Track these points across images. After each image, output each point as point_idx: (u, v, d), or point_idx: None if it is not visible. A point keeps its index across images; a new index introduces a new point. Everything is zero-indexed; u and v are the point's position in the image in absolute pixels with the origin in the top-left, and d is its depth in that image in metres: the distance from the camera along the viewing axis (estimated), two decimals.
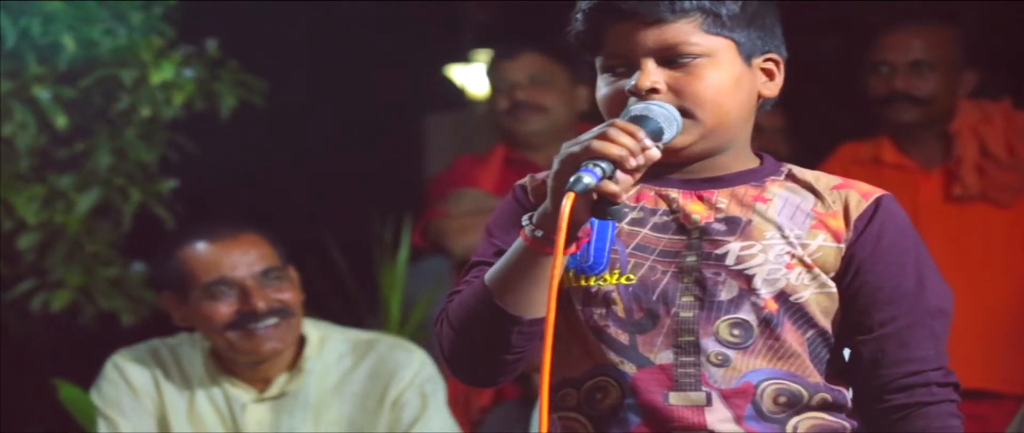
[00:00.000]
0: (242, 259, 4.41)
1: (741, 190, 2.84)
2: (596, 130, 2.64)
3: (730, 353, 2.75)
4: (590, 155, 2.56)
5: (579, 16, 2.86)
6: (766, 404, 2.76)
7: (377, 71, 6.56)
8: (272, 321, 4.38)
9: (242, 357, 4.47)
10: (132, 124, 5.12)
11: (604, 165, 2.55)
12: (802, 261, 2.77)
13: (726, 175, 2.85)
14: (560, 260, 2.59)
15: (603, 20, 2.84)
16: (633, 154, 2.59)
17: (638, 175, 2.63)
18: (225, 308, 4.34)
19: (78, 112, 5.03)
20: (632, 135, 2.60)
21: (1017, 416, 3.99)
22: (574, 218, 2.56)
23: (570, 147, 2.63)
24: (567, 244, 2.58)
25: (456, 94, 7.13)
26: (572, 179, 2.53)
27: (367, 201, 5.67)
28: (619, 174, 2.57)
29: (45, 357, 5.30)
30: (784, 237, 2.79)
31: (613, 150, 2.56)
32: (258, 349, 4.38)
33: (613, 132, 2.59)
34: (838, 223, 2.81)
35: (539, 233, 2.64)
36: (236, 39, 5.25)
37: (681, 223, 2.80)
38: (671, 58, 2.76)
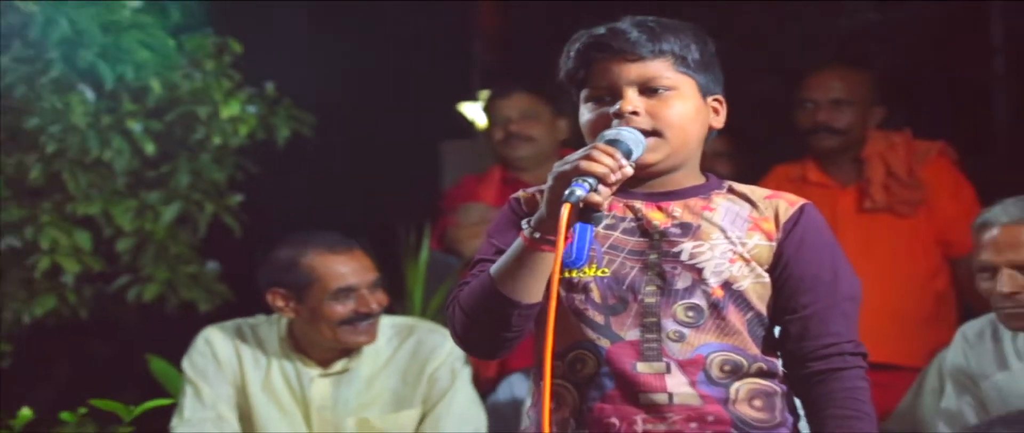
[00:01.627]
0: (360, 270, 4.44)
1: (692, 201, 2.91)
2: (582, 152, 2.73)
3: (685, 331, 2.83)
4: (580, 173, 2.64)
5: (571, 55, 2.93)
6: (714, 372, 2.83)
7: (403, 106, 6.62)
8: (372, 320, 4.44)
9: (336, 345, 4.49)
10: (206, 150, 5.15)
11: (591, 181, 2.64)
12: (742, 256, 2.86)
13: (679, 189, 2.92)
14: (560, 257, 2.66)
15: (592, 57, 2.90)
16: (613, 171, 2.68)
17: (615, 188, 2.72)
18: (342, 309, 4.37)
19: (163, 141, 5.05)
20: (612, 156, 2.69)
21: (914, 383, 4.07)
22: (556, 228, 2.66)
23: (561, 167, 2.70)
24: (541, 247, 2.72)
25: (466, 125, 7.16)
26: (567, 192, 2.62)
27: (394, 212, 5.70)
28: (601, 187, 2.66)
29: (138, 338, 5.32)
30: (727, 238, 2.87)
31: (598, 169, 2.65)
32: (358, 341, 4.43)
33: (597, 154, 2.68)
34: (770, 226, 2.89)
35: (536, 235, 2.72)
36: (288, 81, 5.29)
37: (644, 228, 2.88)
38: (648, 88, 2.85)
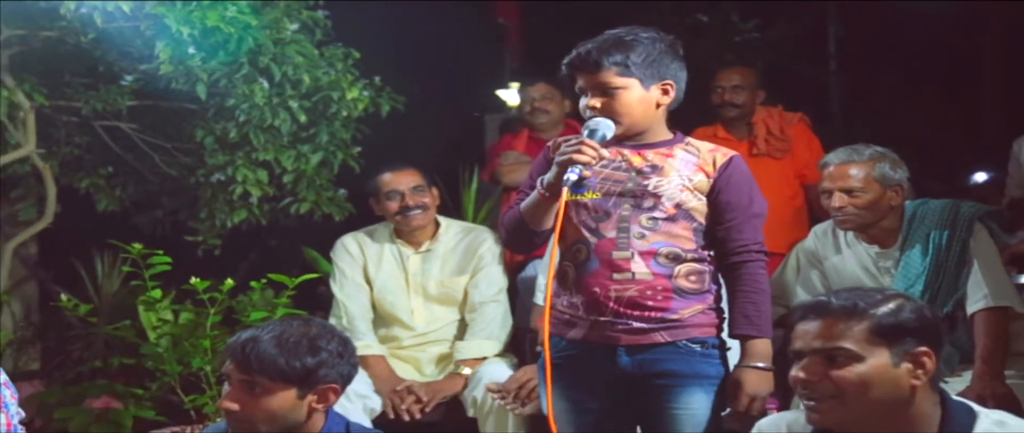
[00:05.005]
0: (404, 179, 4.49)
1: (661, 149, 3.00)
2: (575, 143, 2.87)
3: (646, 233, 2.95)
4: (572, 162, 2.79)
5: (563, 67, 3.01)
6: (662, 259, 2.95)
7: (459, 90, 6.73)
8: (417, 212, 4.47)
9: (405, 228, 4.54)
10: (338, 119, 5.22)
11: (579, 167, 2.80)
12: (689, 188, 2.97)
13: (653, 142, 3.00)
14: (561, 220, 2.88)
15: (572, 70, 3.01)
16: (593, 160, 2.83)
17: (594, 165, 2.87)
18: (393, 205, 4.46)
19: (311, 113, 5.11)
20: (593, 148, 2.83)
21: (781, 263, 4.12)
22: (559, 192, 2.82)
23: (562, 156, 2.84)
24: (551, 203, 2.90)
25: (500, 103, 7.18)
26: (565, 178, 2.79)
27: (456, 158, 5.85)
28: (586, 169, 2.83)
29: (297, 237, 5.37)
30: (680, 175, 2.97)
31: (583, 159, 2.80)
32: (409, 225, 4.48)
33: (584, 148, 2.82)
34: (710, 168, 2.98)
35: (546, 193, 2.88)
36: (390, 73, 5.41)
37: (627, 166, 2.98)
38: (603, 90, 2.94)
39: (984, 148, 5.49)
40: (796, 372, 2.24)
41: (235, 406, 2.70)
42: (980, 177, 5.77)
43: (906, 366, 2.17)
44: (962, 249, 3.62)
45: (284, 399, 2.69)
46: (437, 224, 4.62)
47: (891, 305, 2.20)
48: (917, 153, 4.02)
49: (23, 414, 3.16)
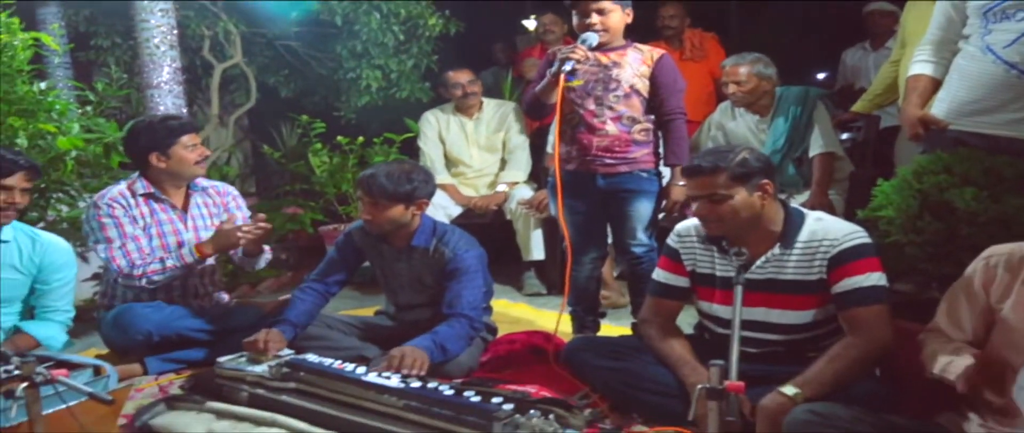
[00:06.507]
0: (462, 76, 4.39)
1: (621, 51, 2.87)
2: (572, 47, 2.76)
3: (614, 104, 2.86)
4: (567, 58, 2.73)
5: (566, 2, 2.87)
6: (624, 121, 2.86)
7: (499, 18, 6.61)
8: (471, 96, 4.38)
9: (462, 105, 4.41)
10: (423, 37, 5.14)
11: (572, 62, 2.74)
12: (638, 75, 2.86)
13: (615, 47, 2.87)
14: (561, 93, 2.77)
15: (571, 3, 2.87)
16: (584, 58, 2.78)
17: (585, 59, 2.79)
18: (456, 91, 4.38)
19: (406, 33, 5.02)
20: (582, 50, 2.76)
21: (698, 129, 3.93)
22: (557, 78, 2.73)
23: (562, 54, 2.74)
24: (556, 85, 2.77)
25: (524, 28, 6.58)
26: (563, 67, 2.72)
27: (498, 60, 5.66)
28: (577, 63, 2.76)
29: (401, 112, 5.13)
30: (631, 67, 2.85)
31: (575, 56, 2.70)
32: (466, 104, 4.41)
33: (577, 50, 2.75)
34: (650, 61, 2.87)
35: (551, 78, 2.78)
36: (454, 6, 5.20)
37: (599, 64, 2.86)
38: (599, 12, 2.83)
39: (828, 56, 5.43)
40: (694, 209, 2.20)
41: (368, 216, 2.71)
42: (821, 75, 5.74)
43: (757, 194, 2.14)
44: (809, 118, 3.53)
45: (396, 210, 2.69)
46: (481, 102, 4.54)
47: (740, 157, 2.13)
48: (784, 59, 3.99)
49: (249, 213, 3.24)
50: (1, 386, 1.99)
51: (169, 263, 2.90)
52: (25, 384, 1.68)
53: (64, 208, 3.60)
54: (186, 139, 2.96)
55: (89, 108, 3.73)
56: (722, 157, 2.14)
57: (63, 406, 1.91)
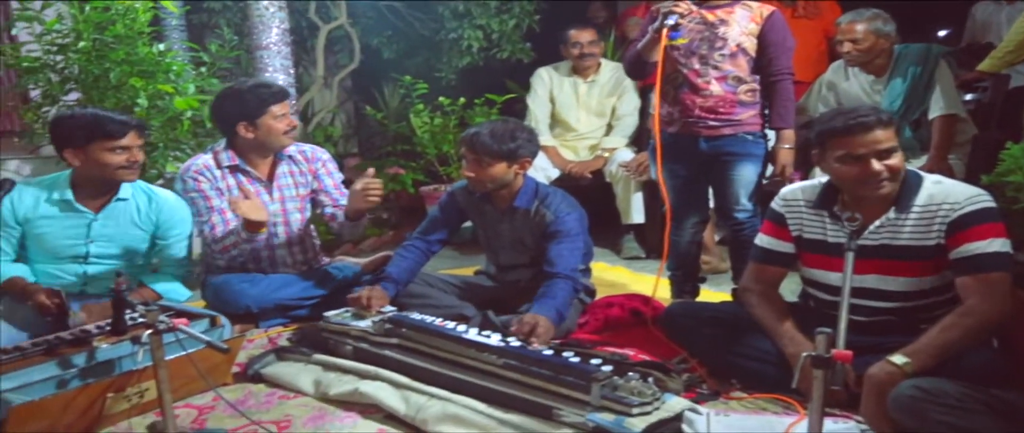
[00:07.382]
0: (585, 36, 4.33)
1: (729, 8, 2.83)
2: (672, 2, 2.72)
3: (720, 63, 2.82)
4: (671, 11, 2.68)
5: None
6: (730, 81, 2.82)
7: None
8: (590, 57, 4.33)
9: (580, 66, 4.36)
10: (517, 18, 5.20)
11: (676, 16, 2.69)
12: (746, 33, 2.82)
13: (723, 3, 2.84)
14: (663, 48, 2.72)
15: None
16: (688, 12, 2.72)
17: (687, 14, 2.72)
18: (574, 50, 4.32)
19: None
20: (686, 3, 2.72)
21: (807, 89, 3.89)
22: (660, 34, 2.69)
23: (665, 7, 2.71)
24: (658, 42, 2.72)
25: None
26: (666, 21, 2.67)
27: (604, 24, 5.34)
28: (681, 18, 2.70)
29: (504, 75, 5.09)
30: (739, 24, 2.81)
31: (680, 9, 2.65)
32: (583, 66, 4.33)
33: (680, 3, 2.71)
34: (759, 19, 2.81)
35: (653, 33, 2.73)
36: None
37: (704, 21, 2.83)
38: None
39: (953, 10, 5.12)
40: (879, 166, 2.05)
41: (471, 173, 2.74)
42: (942, 32, 5.43)
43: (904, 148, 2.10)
44: (929, 78, 3.44)
45: (499, 168, 2.71)
46: (599, 64, 4.48)
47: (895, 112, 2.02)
48: (905, 15, 3.80)
49: (342, 176, 3.22)
50: (128, 332, 2.15)
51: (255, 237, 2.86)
52: (150, 331, 1.78)
53: (180, 166, 3.77)
54: (276, 108, 2.88)
55: (203, 69, 3.82)
56: (877, 111, 2.07)
57: (183, 353, 2.00)
